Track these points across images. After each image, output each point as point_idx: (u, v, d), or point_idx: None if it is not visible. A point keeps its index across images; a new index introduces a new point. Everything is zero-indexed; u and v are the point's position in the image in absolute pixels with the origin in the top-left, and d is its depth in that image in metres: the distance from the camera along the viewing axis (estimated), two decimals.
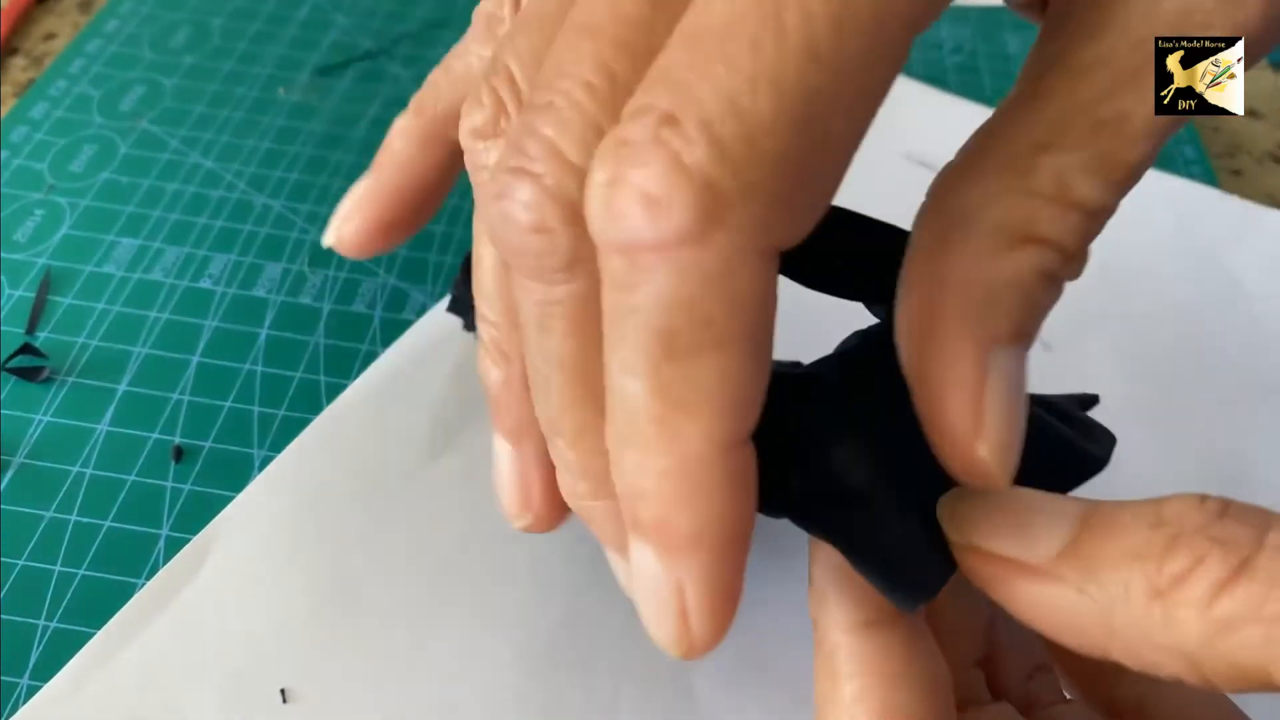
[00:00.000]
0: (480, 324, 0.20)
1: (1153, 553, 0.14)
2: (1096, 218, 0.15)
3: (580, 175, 0.14)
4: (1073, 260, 0.15)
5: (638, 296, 0.13)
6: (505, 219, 0.15)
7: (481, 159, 0.18)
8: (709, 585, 0.14)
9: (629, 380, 0.13)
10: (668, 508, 0.14)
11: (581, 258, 0.14)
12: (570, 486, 0.18)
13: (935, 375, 0.15)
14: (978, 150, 0.16)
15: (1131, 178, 0.15)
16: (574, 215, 0.14)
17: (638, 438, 0.13)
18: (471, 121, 0.18)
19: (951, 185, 0.16)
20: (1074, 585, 0.15)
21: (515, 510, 0.21)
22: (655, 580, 0.14)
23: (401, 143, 0.24)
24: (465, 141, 0.19)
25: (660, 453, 0.13)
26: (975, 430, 0.15)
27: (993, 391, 0.15)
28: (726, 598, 0.15)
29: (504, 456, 0.21)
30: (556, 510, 0.21)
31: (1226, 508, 0.15)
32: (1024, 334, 0.15)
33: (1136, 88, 0.15)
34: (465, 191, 0.41)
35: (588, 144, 0.14)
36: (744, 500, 0.14)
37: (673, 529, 0.14)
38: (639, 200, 0.12)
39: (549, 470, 0.20)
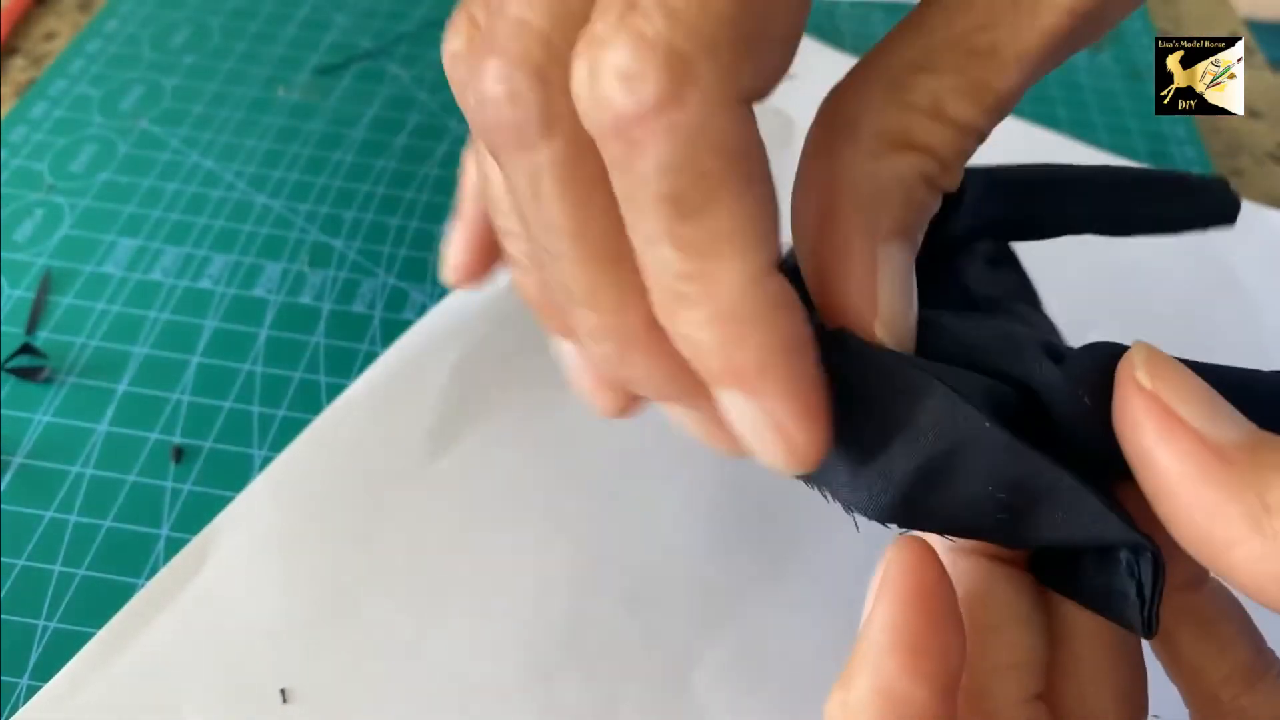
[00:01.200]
0: (506, 241, 0.21)
1: None
2: (968, 135, 0.17)
3: (546, 41, 0.15)
4: (947, 170, 0.17)
5: (638, 170, 0.14)
6: (480, 99, 0.16)
7: (464, 78, 0.18)
8: (795, 401, 0.16)
9: (656, 249, 0.15)
10: (729, 349, 0.15)
11: (557, 115, 0.15)
12: (600, 354, 0.18)
13: (834, 268, 0.17)
14: (863, 68, 0.17)
15: (1001, 104, 0.17)
16: (543, 78, 0.15)
17: (681, 298, 0.15)
18: (451, 47, 0.18)
19: (840, 97, 0.17)
20: (1244, 478, 0.15)
21: (594, 398, 0.21)
22: (749, 416, 0.16)
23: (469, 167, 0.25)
24: (448, 68, 0.19)
25: (705, 301, 0.15)
26: (872, 313, 0.17)
27: (884, 279, 0.17)
28: (815, 404, 0.16)
29: (566, 355, 0.22)
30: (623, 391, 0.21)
31: None
32: (909, 232, 0.17)
33: (1009, 22, 0.16)
34: None
35: (554, 14, 0.15)
36: (793, 319, 0.15)
37: (741, 366, 0.15)
38: (617, 79, 0.14)
39: None
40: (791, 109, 0.44)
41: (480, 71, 0.15)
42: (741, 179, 0.14)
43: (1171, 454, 0.15)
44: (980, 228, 0.20)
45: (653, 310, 0.16)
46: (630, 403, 0.21)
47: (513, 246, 0.21)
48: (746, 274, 0.15)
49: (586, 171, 0.15)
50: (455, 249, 0.25)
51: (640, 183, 0.15)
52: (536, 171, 0.16)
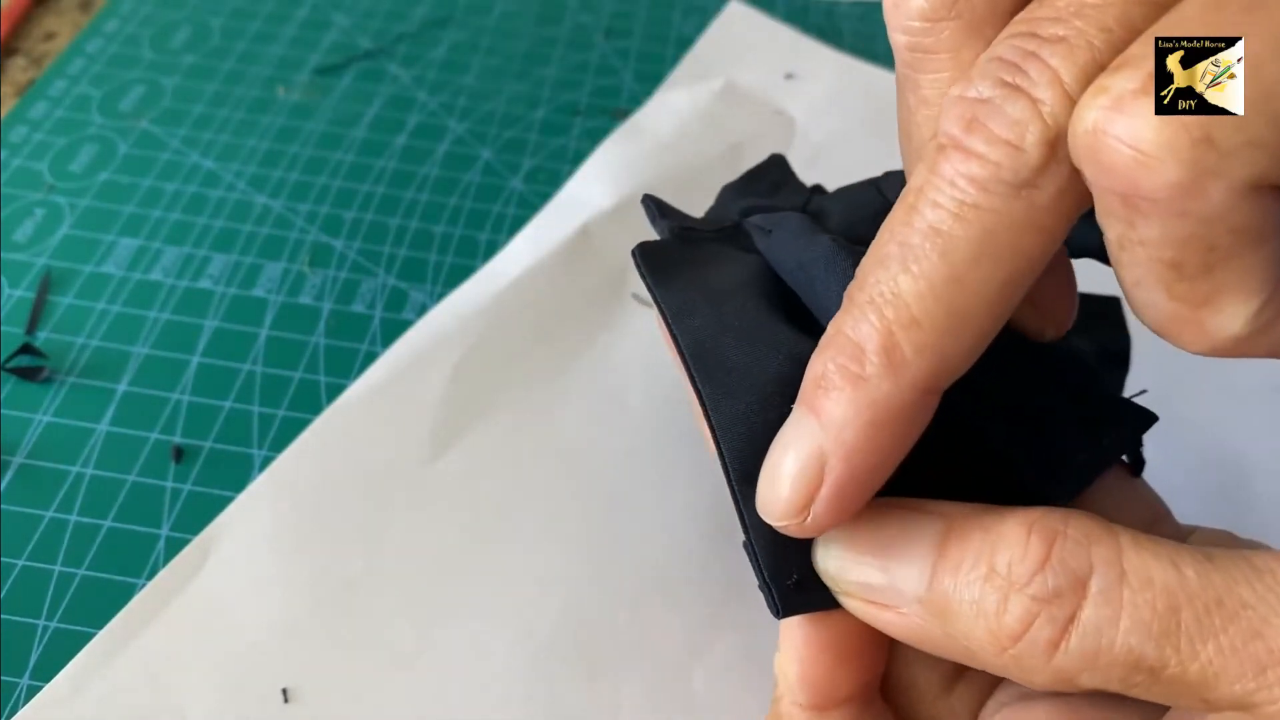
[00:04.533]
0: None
1: (989, 609, 0.16)
2: None
3: (1071, 108, 0.15)
4: None
5: (1138, 232, 0.14)
6: (976, 122, 0.15)
7: (929, 42, 0.17)
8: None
9: (1144, 293, 0.15)
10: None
11: (1030, 185, 0.15)
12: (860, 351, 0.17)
13: None
14: None
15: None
16: (1052, 148, 0.15)
17: (1174, 336, 0.15)
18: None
19: None
20: (937, 628, 0.17)
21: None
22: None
23: None
24: (909, 21, 0.17)
25: (1195, 343, 0.15)
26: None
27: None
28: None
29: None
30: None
31: (1049, 551, 0.16)
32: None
33: None
34: (465, 192, 0.41)
35: (1087, 82, 0.14)
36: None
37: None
38: (1128, 156, 0.13)
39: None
40: (792, 109, 0.44)
41: (1002, 99, 0.15)
42: (1250, 245, 0.14)
43: (892, 629, 0.18)
44: None
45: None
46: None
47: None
48: (1244, 319, 0.15)
49: (993, 239, 0.15)
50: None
51: (1137, 240, 0.14)
52: (968, 204, 0.15)
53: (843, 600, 0.18)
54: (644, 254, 0.23)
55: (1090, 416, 0.20)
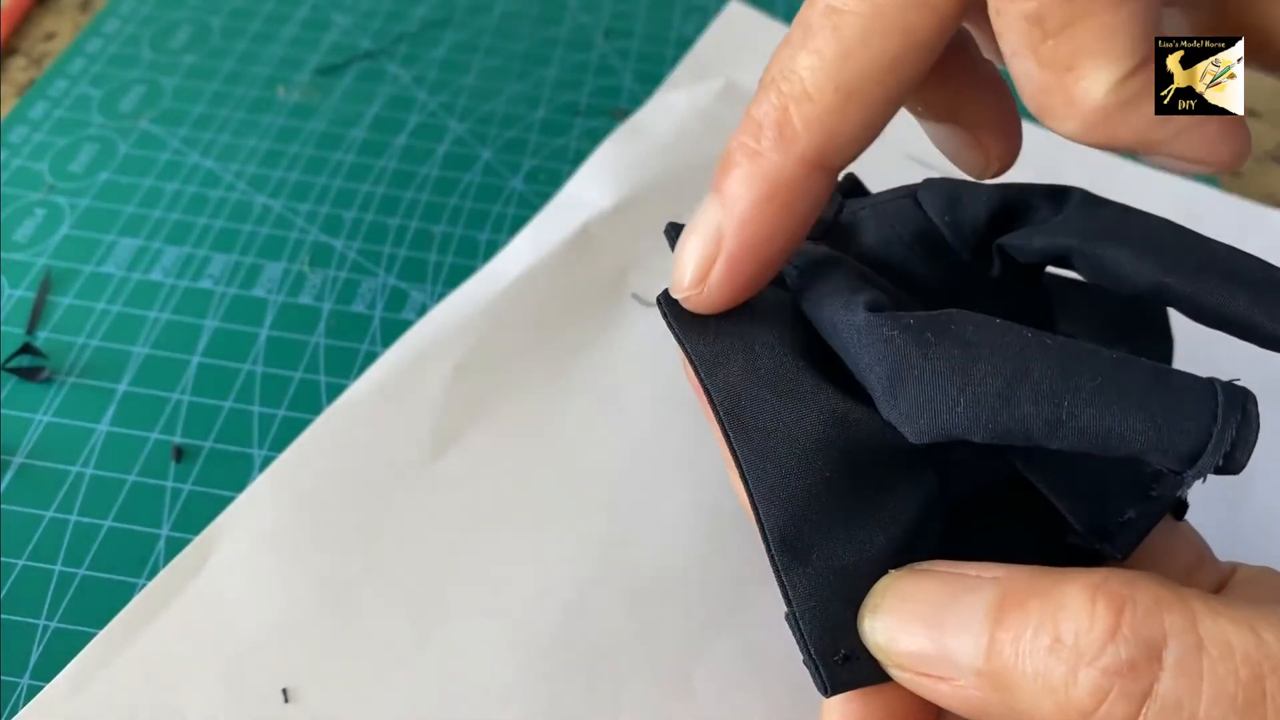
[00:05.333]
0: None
1: (1056, 682, 0.15)
2: None
3: None
4: None
5: None
6: None
7: None
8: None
9: (1019, 63, 0.16)
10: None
11: None
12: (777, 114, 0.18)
13: None
14: None
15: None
16: None
17: (1044, 109, 0.16)
18: None
19: None
20: (997, 701, 0.16)
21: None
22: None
23: None
24: None
25: (1066, 118, 0.16)
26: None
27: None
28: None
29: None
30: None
31: (1118, 619, 0.15)
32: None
33: None
34: (465, 192, 0.41)
35: None
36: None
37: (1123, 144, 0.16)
38: None
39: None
40: None
41: None
42: (1108, 3, 0.15)
43: (950, 703, 0.17)
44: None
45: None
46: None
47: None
48: (1107, 84, 0.15)
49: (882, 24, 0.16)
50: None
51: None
52: None
53: (893, 673, 0.18)
54: (669, 300, 0.21)
55: (1138, 471, 0.19)
